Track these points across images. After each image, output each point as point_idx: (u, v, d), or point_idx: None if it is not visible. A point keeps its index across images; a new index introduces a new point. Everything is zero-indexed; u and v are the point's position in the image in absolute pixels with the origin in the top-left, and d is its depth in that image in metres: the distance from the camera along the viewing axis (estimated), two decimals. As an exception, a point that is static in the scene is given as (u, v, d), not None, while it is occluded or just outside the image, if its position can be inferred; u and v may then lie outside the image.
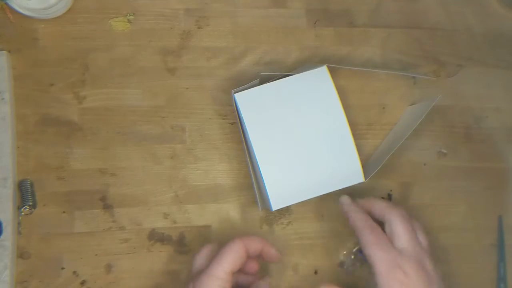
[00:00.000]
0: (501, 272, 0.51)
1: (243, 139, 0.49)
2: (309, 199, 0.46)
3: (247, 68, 0.52)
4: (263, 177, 0.46)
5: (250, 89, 0.47)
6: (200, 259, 0.43)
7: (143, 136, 0.50)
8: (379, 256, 0.42)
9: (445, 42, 0.55)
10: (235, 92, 0.47)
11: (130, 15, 0.52)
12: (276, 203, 0.46)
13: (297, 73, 0.48)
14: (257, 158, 0.46)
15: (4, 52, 0.49)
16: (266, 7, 0.54)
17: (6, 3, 0.48)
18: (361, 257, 0.50)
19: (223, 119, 0.51)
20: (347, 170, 0.46)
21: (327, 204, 0.50)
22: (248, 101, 0.47)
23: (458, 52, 0.55)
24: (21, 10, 0.49)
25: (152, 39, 0.52)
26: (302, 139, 0.47)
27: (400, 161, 0.52)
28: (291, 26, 0.54)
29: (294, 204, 0.46)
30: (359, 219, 0.44)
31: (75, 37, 0.51)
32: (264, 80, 0.48)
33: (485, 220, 0.52)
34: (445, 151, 0.53)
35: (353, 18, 0.55)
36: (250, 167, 0.49)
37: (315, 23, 0.54)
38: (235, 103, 0.47)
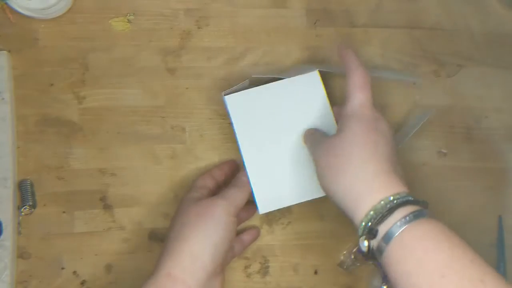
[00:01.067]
0: (501, 272, 0.51)
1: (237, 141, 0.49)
2: (308, 200, 0.46)
3: (247, 68, 0.52)
4: (250, 180, 0.46)
5: (240, 92, 0.47)
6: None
7: (143, 136, 0.50)
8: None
9: (445, 42, 0.55)
10: (225, 94, 0.47)
11: (130, 15, 0.52)
12: (263, 207, 0.46)
13: (289, 75, 0.48)
14: (244, 161, 0.46)
15: (4, 52, 0.49)
16: (266, 7, 0.54)
17: (6, 3, 0.48)
18: (361, 257, 0.50)
19: (223, 119, 0.51)
20: None
21: (327, 204, 0.50)
22: (238, 104, 0.47)
23: (458, 52, 0.55)
24: (21, 10, 0.49)
25: (152, 39, 0.52)
26: (291, 144, 0.46)
27: (400, 161, 0.52)
28: (291, 26, 0.54)
29: (293, 204, 0.46)
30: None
31: (75, 37, 0.51)
32: (254, 82, 0.48)
33: (485, 220, 0.52)
34: (445, 151, 0.53)
35: (353, 18, 0.55)
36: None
37: (315, 23, 0.54)
38: (225, 105, 0.47)
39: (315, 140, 0.44)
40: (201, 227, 0.41)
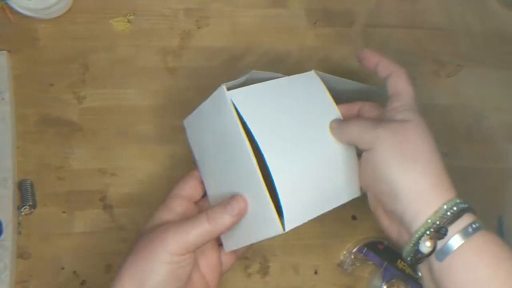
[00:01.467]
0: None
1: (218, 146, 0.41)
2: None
3: (247, 68, 0.52)
4: (277, 190, 0.36)
5: (245, 87, 0.40)
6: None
7: (143, 136, 0.50)
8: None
9: (445, 42, 0.55)
10: (229, 89, 0.39)
11: (130, 15, 0.52)
12: (290, 222, 0.37)
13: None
14: (269, 166, 0.37)
15: (4, 52, 0.49)
16: (266, 7, 0.54)
17: (6, 3, 0.48)
18: (361, 257, 0.50)
19: (223, 119, 0.51)
20: (348, 182, 0.42)
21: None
22: (245, 100, 0.39)
23: (458, 52, 0.55)
24: (21, 10, 0.49)
25: (152, 39, 0.52)
26: (309, 146, 0.40)
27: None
28: (291, 26, 0.54)
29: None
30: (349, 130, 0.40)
31: (75, 37, 0.51)
32: (251, 79, 0.42)
33: (485, 220, 0.52)
34: (445, 151, 0.53)
35: (353, 18, 0.55)
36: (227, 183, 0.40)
37: (315, 23, 0.54)
38: (224, 101, 0.39)
39: (368, 123, 0.38)
40: (140, 267, 0.36)
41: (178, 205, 0.41)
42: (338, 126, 0.41)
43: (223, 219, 0.37)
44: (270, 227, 0.37)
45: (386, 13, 0.55)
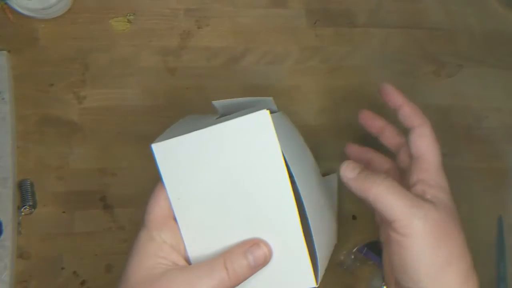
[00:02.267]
0: (501, 272, 0.51)
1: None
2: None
3: (247, 68, 0.52)
4: (315, 237, 0.32)
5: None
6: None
7: (143, 136, 0.50)
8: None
9: (445, 42, 0.55)
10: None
11: (130, 15, 0.52)
12: (322, 272, 0.34)
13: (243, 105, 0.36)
14: (310, 224, 0.32)
15: (4, 52, 0.49)
16: (266, 7, 0.54)
17: (6, 3, 0.48)
18: (361, 257, 0.50)
19: (223, 119, 0.51)
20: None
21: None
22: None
23: (458, 52, 0.55)
24: (21, 10, 0.49)
25: (152, 39, 0.52)
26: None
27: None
28: (291, 26, 0.54)
29: None
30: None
31: (75, 37, 0.51)
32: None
33: (485, 220, 0.52)
34: (445, 151, 0.53)
35: (353, 18, 0.55)
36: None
37: (315, 23, 0.54)
38: (262, 127, 0.32)
39: (404, 197, 0.33)
40: None
41: (167, 236, 0.33)
42: (358, 177, 0.34)
43: (242, 268, 0.29)
44: (298, 281, 0.32)
45: (386, 13, 0.55)
